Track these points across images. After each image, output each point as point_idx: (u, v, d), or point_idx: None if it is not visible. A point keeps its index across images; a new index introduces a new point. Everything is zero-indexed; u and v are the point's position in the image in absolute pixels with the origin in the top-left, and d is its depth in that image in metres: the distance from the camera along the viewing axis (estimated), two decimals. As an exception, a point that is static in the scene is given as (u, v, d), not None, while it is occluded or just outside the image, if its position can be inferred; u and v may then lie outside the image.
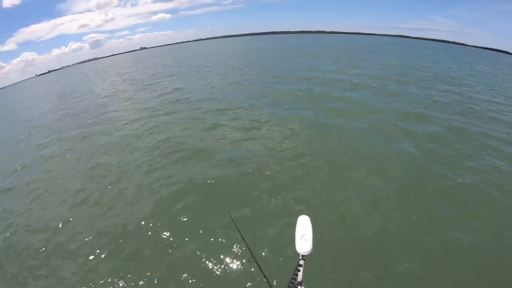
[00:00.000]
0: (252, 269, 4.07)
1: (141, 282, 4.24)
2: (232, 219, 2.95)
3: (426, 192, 6.09)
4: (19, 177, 8.88)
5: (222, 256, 4.51)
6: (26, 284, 4.61)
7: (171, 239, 5.07)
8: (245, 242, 2.30)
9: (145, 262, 4.60)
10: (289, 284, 1.60)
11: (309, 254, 1.55)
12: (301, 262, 1.58)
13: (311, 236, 1.56)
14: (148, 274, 4.33)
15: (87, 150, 9.94)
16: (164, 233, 5.21)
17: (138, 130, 11.08)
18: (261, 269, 1.92)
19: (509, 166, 7.17)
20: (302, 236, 1.56)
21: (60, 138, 12.11)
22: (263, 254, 4.46)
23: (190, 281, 4.17)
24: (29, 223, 6.23)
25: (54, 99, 25.17)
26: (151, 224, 5.50)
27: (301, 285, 1.60)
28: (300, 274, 1.60)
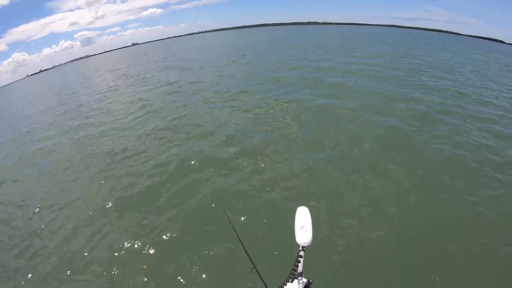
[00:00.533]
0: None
1: (137, 274, 4.36)
2: (228, 218, 2.94)
3: (419, 165, 6.42)
4: (28, 168, 9.18)
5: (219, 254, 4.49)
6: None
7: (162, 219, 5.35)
8: (242, 245, 2.28)
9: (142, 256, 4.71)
10: (290, 275, 1.61)
11: (308, 245, 1.53)
12: (301, 253, 1.57)
13: (311, 227, 1.53)
14: (144, 267, 4.43)
15: (87, 140, 10.20)
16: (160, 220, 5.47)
17: (135, 121, 11.25)
18: (259, 273, 1.92)
19: (496, 143, 7.55)
20: (302, 227, 1.53)
21: (61, 131, 12.29)
22: (257, 244, 4.43)
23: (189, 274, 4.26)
24: (44, 205, 6.65)
25: (50, 97, 24.96)
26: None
27: (301, 276, 1.62)
28: (300, 265, 1.59)
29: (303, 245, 1.52)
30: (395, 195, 5.54)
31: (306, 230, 1.51)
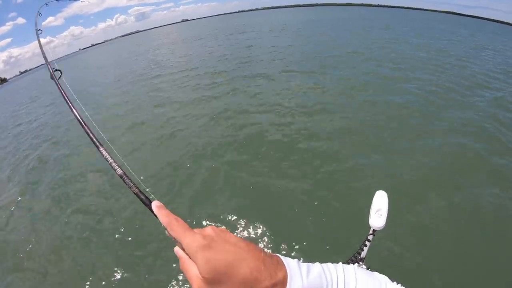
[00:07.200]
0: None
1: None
2: None
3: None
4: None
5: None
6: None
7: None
8: None
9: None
10: (352, 258, 1.60)
11: (379, 231, 1.55)
12: (370, 237, 1.59)
13: (386, 213, 1.56)
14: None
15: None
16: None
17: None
18: None
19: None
20: (377, 211, 1.56)
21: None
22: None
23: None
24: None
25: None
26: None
27: (363, 261, 1.59)
28: (365, 250, 1.60)
29: (374, 228, 1.55)
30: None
31: (381, 215, 1.55)
